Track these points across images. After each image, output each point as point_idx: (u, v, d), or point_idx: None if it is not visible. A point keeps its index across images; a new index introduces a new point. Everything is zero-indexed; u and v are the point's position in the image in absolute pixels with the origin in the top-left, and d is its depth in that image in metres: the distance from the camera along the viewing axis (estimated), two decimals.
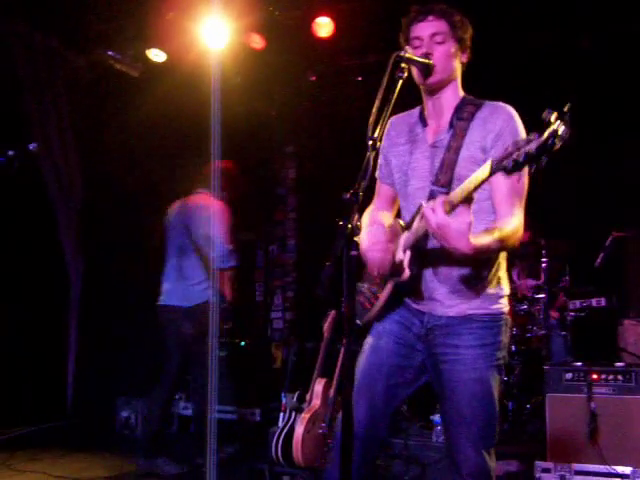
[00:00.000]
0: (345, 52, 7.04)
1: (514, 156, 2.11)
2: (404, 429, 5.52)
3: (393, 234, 2.81)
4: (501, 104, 2.81)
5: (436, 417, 5.44)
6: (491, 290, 2.78)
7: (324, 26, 6.29)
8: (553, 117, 2.04)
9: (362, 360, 2.89)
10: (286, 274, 8.63)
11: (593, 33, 6.24)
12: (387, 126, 2.95)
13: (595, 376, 4.68)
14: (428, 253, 2.70)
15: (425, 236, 2.61)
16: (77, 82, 6.80)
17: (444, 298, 2.78)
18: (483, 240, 2.49)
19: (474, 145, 2.73)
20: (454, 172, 2.72)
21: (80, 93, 6.83)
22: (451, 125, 2.81)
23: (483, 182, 2.30)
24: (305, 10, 6.30)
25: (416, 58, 2.72)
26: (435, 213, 2.38)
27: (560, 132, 2.03)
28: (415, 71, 2.79)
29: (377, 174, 3.08)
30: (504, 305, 2.82)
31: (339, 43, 6.64)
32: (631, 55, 6.32)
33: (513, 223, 2.62)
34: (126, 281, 7.07)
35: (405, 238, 2.73)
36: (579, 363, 4.86)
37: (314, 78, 7.48)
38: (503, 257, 2.83)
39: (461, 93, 2.90)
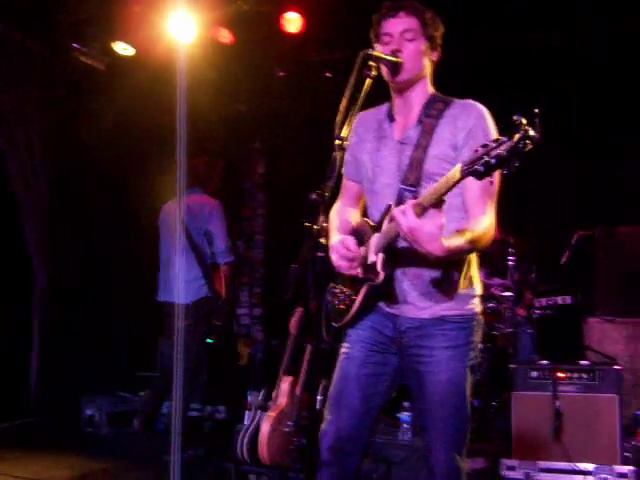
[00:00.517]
0: (314, 48, 7.00)
1: (485, 159, 2.09)
2: None
3: (363, 234, 2.78)
4: (471, 102, 2.79)
5: (403, 415, 5.43)
6: (463, 290, 2.77)
7: (293, 21, 6.25)
8: (523, 120, 2.03)
9: (337, 371, 2.88)
10: (254, 270, 8.59)
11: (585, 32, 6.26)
12: (354, 122, 2.90)
13: (560, 375, 4.72)
14: (399, 255, 2.68)
15: (396, 237, 2.57)
16: (42, 75, 6.69)
17: (416, 300, 2.76)
18: (455, 242, 2.48)
19: (444, 143, 2.71)
20: (423, 170, 2.70)
21: (45, 86, 6.72)
22: (419, 121, 2.78)
23: (454, 185, 2.28)
24: (274, 5, 6.25)
25: (384, 56, 2.69)
26: (406, 216, 2.35)
27: (530, 135, 2.02)
28: (384, 69, 2.76)
29: (343, 171, 3.03)
30: (476, 305, 2.81)
31: (308, 38, 6.60)
32: (616, 52, 6.35)
33: (485, 223, 2.61)
34: (92, 277, 6.99)
35: (376, 239, 2.70)
36: (545, 362, 4.89)
37: (283, 73, 7.44)
38: (474, 256, 2.82)
39: (430, 90, 2.87)
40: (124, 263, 7.26)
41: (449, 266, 2.70)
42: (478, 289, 2.84)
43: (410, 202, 2.38)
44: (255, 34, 6.61)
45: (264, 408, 4.95)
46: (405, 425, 5.41)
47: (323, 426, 2.83)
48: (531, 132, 2.01)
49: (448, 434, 2.72)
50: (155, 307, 7.16)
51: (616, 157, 6.58)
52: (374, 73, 2.59)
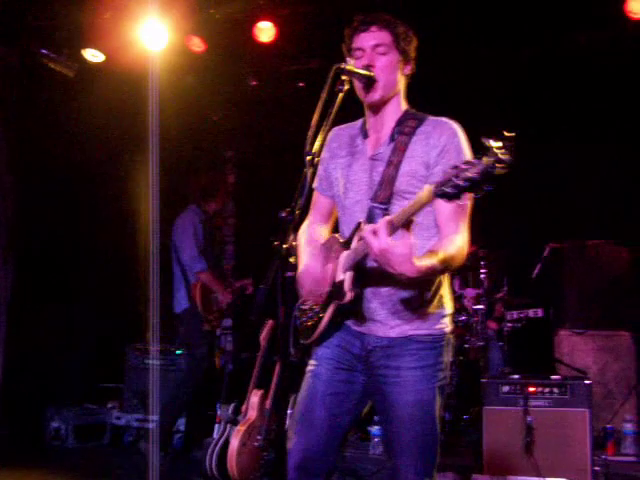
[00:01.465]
0: (286, 57, 6.98)
1: (454, 181, 2.05)
2: None
3: (332, 250, 2.74)
4: (445, 119, 2.75)
5: (374, 429, 5.41)
6: (433, 310, 2.72)
7: (266, 31, 6.21)
8: (495, 143, 1.99)
9: (303, 390, 2.82)
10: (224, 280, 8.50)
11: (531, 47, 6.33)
12: (329, 136, 2.87)
13: (531, 389, 4.72)
14: (368, 273, 2.62)
15: (365, 256, 2.52)
16: (8, 80, 6.57)
17: (385, 319, 2.70)
18: (427, 262, 2.43)
19: (415, 160, 2.67)
20: (394, 187, 2.66)
21: (12, 91, 6.60)
22: (392, 139, 2.75)
23: (424, 206, 2.25)
24: (247, 14, 6.20)
25: (357, 70, 2.65)
26: (377, 237, 2.30)
27: (502, 159, 1.98)
28: (357, 84, 2.72)
29: (315, 185, 2.98)
30: (447, 325, 2.76)
31: (281, 48, 6.56)
32: (571, 67, 6.43)
33: (458, 242, 2.57)
34: (57, 287, 6.87)
35: (345, 257, 2.65)
36: (516, 376, 4.88)
37: (255, 83, 7.39)
38: (445, 275, 2.78)
39: (404, 106, 2.83)
40: (90, 272, 7.16)
41: (419, 285, 2.66)
42: (449, 308, 2.79)
43: (382, 221, 2.33)
44: (227, 43, 6.57)
45: (234, 422, 4.90)
46: (376, 439, 5.39)
47: (289, 445, 2.76)
48: (503, 156, 1.97)
49: (417, 457, 2.66)
50: (121, 316, 7.11)
51: (587, 171, 6.63)
52: (346, 87, 2.56)
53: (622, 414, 5.71)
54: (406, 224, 2.30)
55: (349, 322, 2.79)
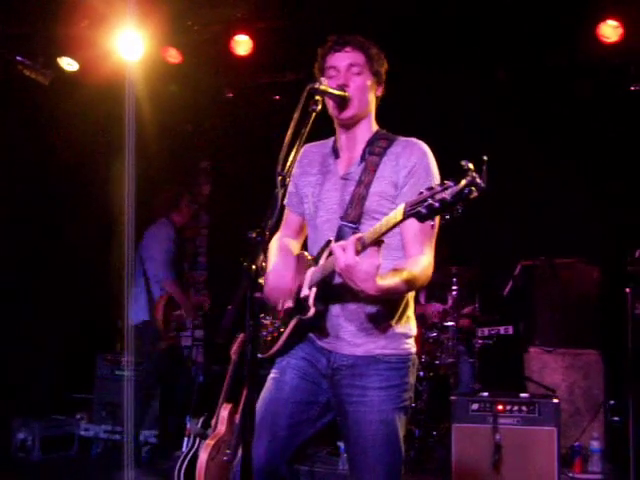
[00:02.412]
0: (263, 70, 7.00)
1: (428, 202, 2.07)
2: (310, 456, 5.46)
3: (300, 266, 2.75)
4: (414, 140, 2.78)
5: (343, 444, 5.40)
6: (399, 329, 2.73)
7: (242, 44, 6.22)
8: (470, 166, 2.01)
9: (264, 395, 2.79)
10: (197, 292, 8.47)
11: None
12: (300, 154, 2.84)
13: (500, 407, 4.75)
14: (335, 290, 2.63)
15: (333, 272, 2.53)
16: None
17: (351, 337, 2.71)
18: (390, 281, 2.45)
19: (385, 180, 2.70)
20: (364, 207, 2.67)
21: None
22: (362, 159, 2.77)
23: (395, 225, 2.26)
24: (224, 27, 6.21)
25: (331, 90, 2.67)
26: (345, 253, 2.32)
27: (477, 182, 2.00)
28: (330, 103, 2.74)
29: (286, 202, 3.00)
30: (412, 345, 2.78)
31: (257, 60, 6.57)
32: (543, 89, 6.51)
33: (423, 263, 2.60)
34: (24, 293, 6.79)
35: (312, 273, 2.66)
36: (485, 393, 4.91)
37: (231, 94, 7.40)
38: (411, 296, 2.79)
39: (374, 127, 2.87)
40: (61, 280, 7.08)
41: (387, 304, 2.67)
42: (414, 329, 2.81)
43: (352, 238, 2.35)
44: (204, 55, 6.57)
45: (203, 436, 4.87)
46: (345, 454, 5.37)
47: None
48: (478, 179, 2.00)
49: (381, 477, 2.67)
50: (90, 325, 7.04)
51: (559, 189, 6.69)
52: (319, 107, 2.56)
53: (590, 432, 5.77)
54: (376, 243, 2.32)
55: (315, 338, 2.78)
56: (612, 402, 6.02)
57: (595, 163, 6.60)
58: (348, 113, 2.74)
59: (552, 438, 4.67)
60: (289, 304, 2.70)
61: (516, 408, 4.74)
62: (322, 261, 2.64)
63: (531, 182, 6.79)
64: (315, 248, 2.80)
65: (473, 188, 2.00)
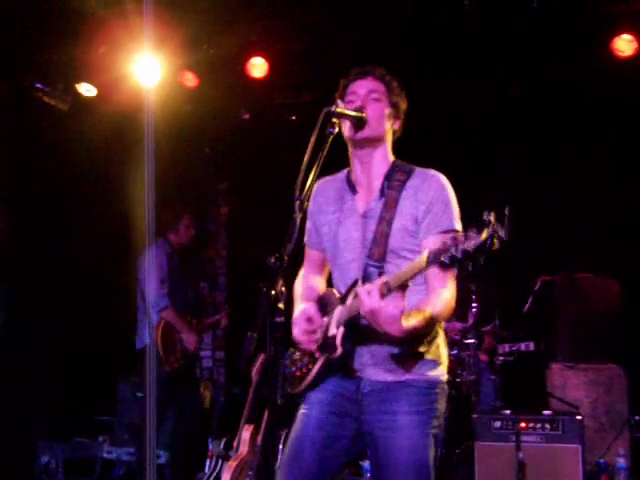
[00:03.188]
0: (279, 91, 7.03)
1: (451, 252, 2.10)
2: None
3: (327, 303, 2.76)
4: (432, 172, 2.79)
5: (366, 463, 5.38)
6: (429, 356, 2.73)
7: (258, 67, 6.27)
8: (492, 217, 2.06)
9: (294, 431, 2.81)
10: (216, 312, 8.49)
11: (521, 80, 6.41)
12: (314, 189, 2.88)
13: (523, 425, 4.72)
14: (362, 329, 2.61)
15: (359, 314, 2.54)
16: (2, 113, 6.60)
17: (381, 363, 2.71)
18: (414, 322, 2.46)
19: (405, 217, 2.70)
20: (387, 244, 2.68)
21: (4, 124, 6.63)
22: (382, 194, 2.76)
23: (420, 272, 2.29)
24: (239, 50, 6.26)
25: (348, 112, 2.68)
26: (370, 297, 2.35)
27: (498, 234, 2.04)
28: (347, 125, 2.74)
29: (306, 240, 3.02)
30: (442, 373, 2.77)
31: (273, 82, 6.62)
32: (558, 103, 6.51)
33: (445, 297, 2.61)
34: (46, 315, 6.84)
35: (339, 313, 2.66)
36: (508, 411, 4.89)
37: (248, 116, 7.44)
38: (441, 325, 2.79)
39: (391, 158, 2.87)
40: (81, 301, 7.13)
41: (413, 341, 2.66)
42: (444, 357, 2.80)
43: (378, 282, 2.37)
44: (220, 78, 6.62)
45: (225, 457, 4.86)
46: (368, 474, 5.35)
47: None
48: (500, 232, 2.04)
49: None
50: (112, 347, 7.07)
51: (579, 204, 6.68)
52: (337, 130, 2.58)
53: (615, 448, 5.71)
54: (401, 287, 2.34)
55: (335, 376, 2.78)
56: (637, 418, 5.97)
57: (614, 177, 6.58)
58: (364, 133, 2.74)
59: (577, 455, 4.64)
60: (318, 340, 2.70)
61: (539, 425, 4.72)
62: (349, 301, 2.65)
63: (549, 197, 6.77)
64: (341, 286, 2.80)
65: (495, 240, 2.04)
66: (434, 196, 2.69)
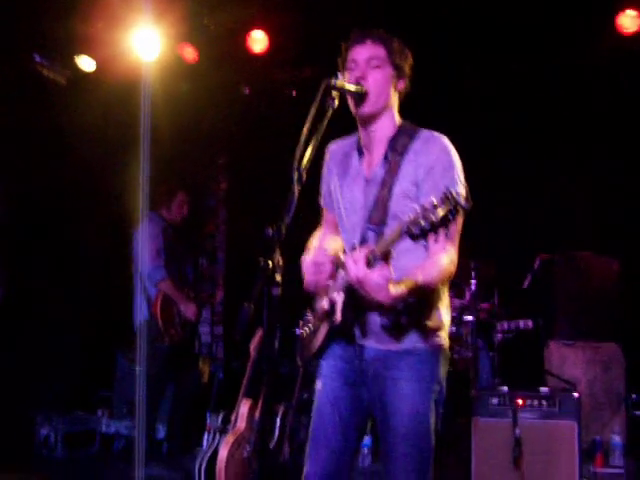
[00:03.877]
0: (279, 66, 7.01)
1: (421, 223, 2.15)
2: None
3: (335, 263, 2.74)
4: (435, 135, 2.76)
5: (365, 439, 5.39)
6: (429, 322, 2.73)
7: (258, 41, 6.24)
8: (453, 193, 2.13)
9: (313, 410, 2.86)
10: (214, 288, 8.50)
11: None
12: (327, 153, 2.93)
13: (520, 401, 4.72)
14: (362, 297, 2.60)
15: None
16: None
17: (381, 332, 2.72)
18: (404, 288, 2.47)
19: (406, 181, 2.69)
20: (388, 209, 2.67)
21: (2, 98, 6.59)
22: (385, 159, 2.75)
23: (398, 241, 2.31)
24: (239, 24, 6.22)
25: (347, 86, 2.65)
26: (356, 265, 2.38)
27: (459, 207, 2.12)
28: (349, 99, 2.72)
29: (322, 202, 3.03)
30: (443, 338, 2.78)
31: (273, 57, 6.59)
32: (561, 81, 6.47)
33: (442, 261, 2.60)
34: (44, 291, 6.84)
35: (341, 278, 2.65)
36: (505, 388, 4.88)
37: (248, 91, 7.41)
38: (443, 290, 2.79)
39: (397, 121, 2.83)
40: (78, 276, 7.13)
41: (413, 306, 2.67)
42: (445, 321, 2.80)
43: (363, 251, 2.40)
44: (220, 52, 6.59)
45: (223, 431, 4.88)
46: (365, 450, 5.38)
47: (306, 468, 2.81)
48: (461, 203, 2.13)
49: (411, 468, 2.68)
50: (111, 322, 7.08)
51: (579, 182, 6.66)
52: (337, 103, 2.56)
53: (611, 426, 5.73)
54: (385, 256, 2.36)
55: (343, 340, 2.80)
56: (634, 396, 5.98)
57: (614, 156, 6.55)
58: (365, 109, 2.72)
59: (573, 432, 4.64)
60: (325, 306, 2.71)
61: (536, 402, 4.72)
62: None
63: (549, 175, 6.76)
64: (347, 249, 2.80)
65: (457, 212, 2.13)
66: (435, 159, 2.67)
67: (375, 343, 2.74)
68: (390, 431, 2.71)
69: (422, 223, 2.13)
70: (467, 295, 6.26)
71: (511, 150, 6.72)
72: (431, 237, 2.19)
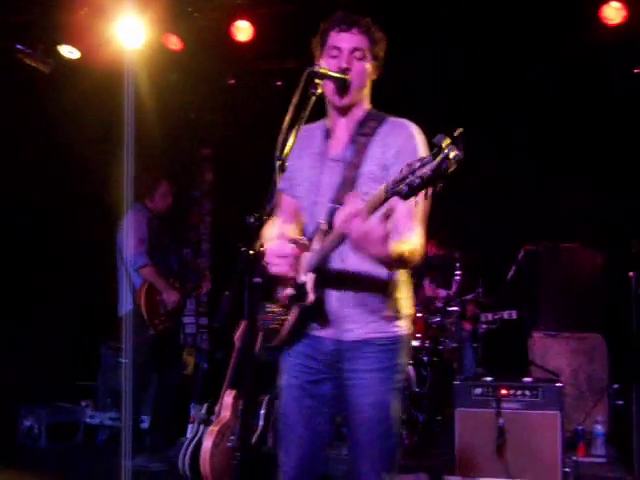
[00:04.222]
0: (264, 56, 6.95)
1: (409, 179, 2.07)
2: None
3: (300, 249, 2.72)
4: (403, 120, 2.77)
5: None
6: (388, 312, 2.74)
7: (243, 30, 6.19)
8: (445, 142, 2.01)
9: (281, 407, 2.87)
10: (200, 280, 8.47)
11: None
12: (295, 136, 2.88)
13: (504, 391, 4.75)
14: (330, 274, 2.65)
15: (330, 255, 2.56)
16: None
17: (344, 322, 2.72)
18: (398, 249, 2.45)
19: (373, 161, 2.69)
20: (354, 189, 2.66)
21: None
22: (352, 140, 2.76)
23: (381, 204, 2.24)
24: (224, 13, 6.18)
25: (331, 73, 2.64)
26: (361, 218, 2.27)
27: (452, 156, 2.00)
28: (329, 87, 2.70)
29: (280, 186, 2.96)
30: (403, 327, 2.78)
31: (258, 47, 6.54)
32: (546, 72, 6.48)
33: (413, 242, 2.58)
34: (27, 281, 6.80)
35: (308, 259, 2.64)
36: (489, 378, 4.92)
37: (233, 81, 7.37)
38: (403, 279, 2.80)
39: (367, 106, 2.84)
40: (61, 267, 7.09)
41: (376, 287, 2.69)
42: (406, 311, 2.80)
43: (358, 204, 2.30)
44: (205, 41, 6.53)
45: (207, 422, 4.87)
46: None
47: (280, 466, 2.83)
48: (453, 153, 2.00)
49: (377, 458, 2.70)
50: (95, 313, 7.06)
51: (564, 174, 6.68)
52: (319, 91, 2.55)
53: (593, 415, 5.78)
54: (386, 214, 2.27)
55: (311, 327, 2.79)
56: (616, 386, 6.03)
57: (598, 147, 6.58)
58: (345, 100, 2.72)
59: (555, 422, 4.67)
60: (290, 291, 2.69)
61: (519, 392, 4.75)
62: (315, 245, 2.62)
63: (534, 166, 6.77)
64: (307, 231, 2.79)
65: (450, 161, 2.00)
66: (403, 143, 2.67)
67: (336, 334, 2.73)
68: (355, 422, 2.72)
69: (410, 179, 2.06)
70: (453, 286, 6.28)
71: (495, 143, 6.73)
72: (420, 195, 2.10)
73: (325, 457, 2.89)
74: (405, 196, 2.10)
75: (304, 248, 2.68)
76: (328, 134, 2.84)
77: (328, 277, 2.65)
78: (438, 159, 2.01)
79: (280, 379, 2.89)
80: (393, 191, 2.14)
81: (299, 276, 2.65)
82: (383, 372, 2.71)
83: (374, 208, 2.26)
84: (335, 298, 2.71)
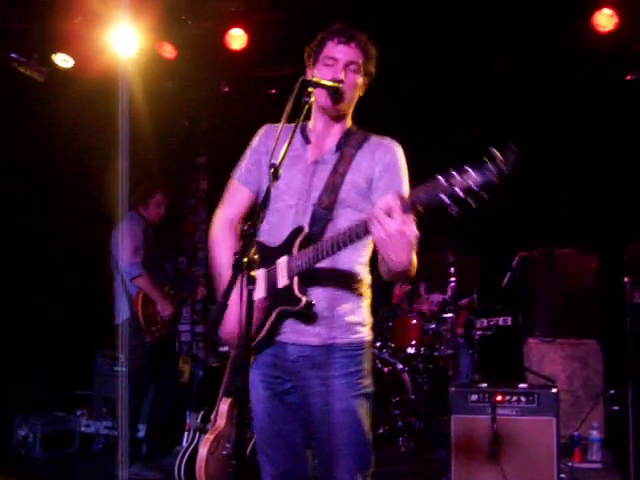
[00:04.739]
0: (259, 64, 6.99)
1: (451, 190, 2.08)
2: None
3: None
4: (389, 139, 2.82)
5: None
6: (352, 318, 2.74)
7: (237, 38, 6.21)
8: (497, 154, 2.06)
9: (255, 418, 2.85)
10: (195, 286, 8.47)
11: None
12: (261, 131, 2.97)
13: (499, 398, 4.73)
14: (312, 276, 2.65)
15: (323, 258, 2.53)
16: None
17: (306, 327, 2.70)
18: (415, 259, 2.47)
19: (359, 173, 2.73)
20: (338, 194, 2.69)
21: None
22: (338, 148, 2.79)
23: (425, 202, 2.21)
24: (218, 21, 6.20)
25: (325, 82, 2.66)
26: (393, 217, 2.21)
27: (502, 167, 2.05)
28: (322, 94, 2.72)
29: (239, 177, 2.96)
30: (366, 334, 2.79)
31: (253, 54, 6.56)
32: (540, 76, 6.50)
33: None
34: (24, 290, 6.79)
35: (288, 262, 2.62)
36: (484, 384, 4.90)
37: (227, 89, 7.38)
38: (367, 288, 2.82)
39: (349, 122, 2.89)
40: (57, 276, 7.08)
41: (343, 294, 2.71)
42: (368, 319, 2.81)
43: (396, 201, 2.22)
44: (199, 49, 6.55)
45: (202, 430, 4.87)
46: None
47: (263, 478, 2.83)
48: (503, 166, 2.05)
49: (351, 464, 2.67)
50: (90, 322, 7.05)
51: (558, 180, 6.70)
52: (312, 99, 2.56)
53: (589, 421, 5.77)
54: (413, 212, 2.24)
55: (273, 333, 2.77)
56: (612, 391, 6.03)
57: (592, 153, 6.59)
58: (337, 108, 2.76)
59: (551, 428, 4.66)
60: (261, 295, 2.66)
61: (515, 398, 4.74)
62: (295, 249, 2.61)
63: (529, 173, 6.77)
64: (275, 233, 2.74)
65: (500, 175, 2.02)
66: (391, 159, 2.74)
67: (299, 339, 2.71)
68: (325, 429, 2.70)
69: (455, 189, 2.05)
70: (446, 289, 6.28)
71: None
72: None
73: (306, 460, 2.83)
74: (450, 207, 2.10)
75: (271, 254, 2.68)
76: (307, 138, 2.86)
77: (310, 279, 2.64)
78: (491, 170, 2.05)
79: (249, 392, 2.81)
80: (433, 199, 2.13)
81: (279, 280, 2.63)
82: (350, 377, 2.70)
83: (419, 202, 2.21)
84: (319, 298, 2.70)
